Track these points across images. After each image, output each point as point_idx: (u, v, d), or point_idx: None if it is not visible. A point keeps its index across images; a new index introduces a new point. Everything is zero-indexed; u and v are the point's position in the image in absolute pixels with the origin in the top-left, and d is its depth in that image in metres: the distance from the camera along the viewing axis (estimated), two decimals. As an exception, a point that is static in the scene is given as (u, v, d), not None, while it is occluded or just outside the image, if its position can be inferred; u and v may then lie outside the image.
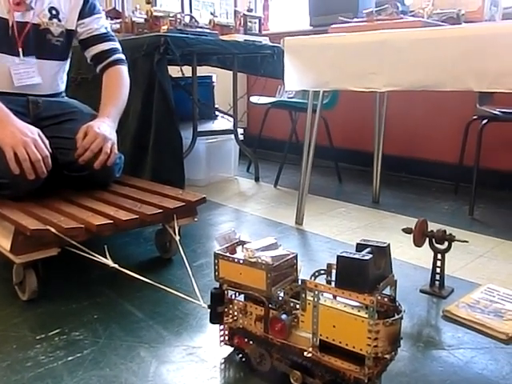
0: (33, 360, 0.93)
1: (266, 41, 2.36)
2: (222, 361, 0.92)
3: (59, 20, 1.44)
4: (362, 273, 0.66)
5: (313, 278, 0.83)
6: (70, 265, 1.35)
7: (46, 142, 1.23)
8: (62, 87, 1.57)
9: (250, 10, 2.40)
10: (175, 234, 1.21)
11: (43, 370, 0.90)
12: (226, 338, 0.91)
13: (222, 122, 2.58)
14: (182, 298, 1.00)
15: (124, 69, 1.52)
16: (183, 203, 1.26)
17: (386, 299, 0.73)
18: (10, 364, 0.91)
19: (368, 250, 0.71)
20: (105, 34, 1.51)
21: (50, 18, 1.42)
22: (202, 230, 1.74)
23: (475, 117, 2.04)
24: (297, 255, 0.86)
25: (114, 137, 1.33)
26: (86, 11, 1.49)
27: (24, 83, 1.39)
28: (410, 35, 1.40)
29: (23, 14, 1.37)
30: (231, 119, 2.50)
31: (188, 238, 1.60)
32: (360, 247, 0.73)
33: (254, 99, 2.53)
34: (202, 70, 2.53)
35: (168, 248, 1.39)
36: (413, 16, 1.62)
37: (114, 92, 1.46)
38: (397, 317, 0.68)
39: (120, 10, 2.59)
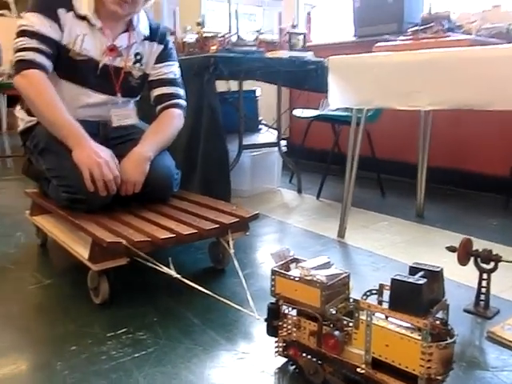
0: (106, 354, 1.04)
1: (310, 56, 2.43)
2: (276, 370, 0.99)
3: (141, 64, 1.59)
4: (416, 297, 0.71)
5: (364, 297, 0.89)
6: (130, 271, 1.47)
7: (117, 162, 1.36)
8: None
9: (294, 26, 2.47)
10: (229, 247, 1.30)
11: (115, 363, 1.01)
12: (281, 349, 0.98)
13: (266, 135, 2.66)
14: (235, 308, 1.09)
15: (179, 113, 1.59)
16: (237, 219, 1.35)
17: (438, 322, 0.78)
18: (88, 356, 1.03)
19: (421, 273, 0.76)
20: (172, 79, 1.62)
21: (134, 63, 1.57)
22: (246, 241, 1.81)
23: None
24: (349, 274, 0.92)
25: (138, 173, 1.39)
26: (163, 57, 1.62)
27: (120, 124, 1.56)
28: (456, 54, 1.41)
29: (114, 59, 1.52)
30: (275, 132, 2.58)
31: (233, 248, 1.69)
32: (413, 270, 0.78)
33: (297, 112, 2.60)
34: (247, 84, 2.62)
35: (221, 259, 1.48)
36: (461, 32, 1.63)
37: (159, 129, 1.54)
38: (450, 340, 0.73)
39: (170, 28, 2.73)
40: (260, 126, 2.77)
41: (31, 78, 1.37)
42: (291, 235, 1.96)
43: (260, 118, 2.84)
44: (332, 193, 2.57)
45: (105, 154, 1.35)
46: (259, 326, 1.13)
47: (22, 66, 1.37)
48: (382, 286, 0.87)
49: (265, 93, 2.95)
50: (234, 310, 1.16)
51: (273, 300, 0.96)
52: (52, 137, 1.39)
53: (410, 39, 1.66)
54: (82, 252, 1.23)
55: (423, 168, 2.16)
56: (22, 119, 1.57)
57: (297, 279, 0.90)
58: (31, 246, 1.73)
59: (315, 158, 3.27)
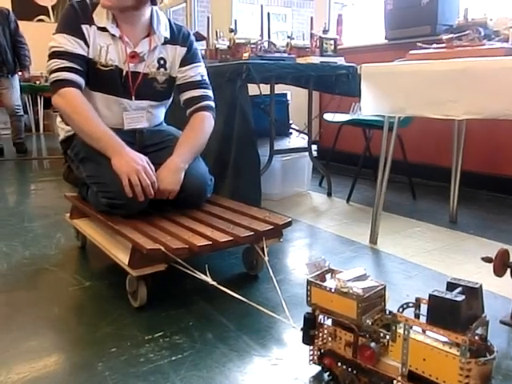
0: (144, 357, 1.08)
1: (341, 61, 2.43)
2: (311, 378, 1.00)
3: (165, 69, 1.62)
4: (454, 314, 0.72)
5: (401, 309, 0.89)
6: (167, 275, 1.52)
7: (153, 168, 1.41)
8: (162, 118, 1.76)
9: (325, 31, 2.47)
10: (264, 254, 1.32)
11: (153, 366, 1.05)
12: (316, 357, 1.00)
13: (297, 140, 2.67)
14: (269, 314, 1.11)
15: (208, 115, 1.62)
16: (272, 226, 1.37)
17: (477, 338, 0.77)
18: (127, 358, 1.08)
19: (459, 289, 0.76)
20: (199, 81, 1.64)
21: (158, 68, 1.60)
22: (278, 245, 1.82)
23: None
24: (385, 286, 0.92)
25: (174, 182, 1.43)
26: (187, 59, 1.64)
27: (133, 127, 1.59)
28: (490, 64, 1.39)
29: (136, 65, 1.56)
30: (305, 136, 2.59)
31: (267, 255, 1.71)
32: (451, 286, 0.78)
33: (328, 116, 2.60)
34: (277, 88, 2.64)
35: (255, 265, 1.51)
36: (498, 39, 1.59)
37: (192, 135, 1.57)
38: (490, 357, 0.73)
39: (202, 33, 2.78)
40: (290, 130, 2.79)
41: (67, 97, 1.44)
42: (322, 240, 1.97)
43: (290, 122, 2.85)
44: (362, 196, 2.56)
45: (142, 160, 1.40)
46: (292, 333, 1.15)
47: (57, 85, 1.44)
48: (418, 300, 0.87)
49: (295, 96, 2.96)
50: (267, 316, 1.19)
51: (308, 309, 0.98)
52: (91, 146, 1.45)
53: (443, 47, 1.63)
54: (122, 257, 1.28)
55: (457, 172, 2.13)
56: (63, 129, 1.64)
57: (333, 290, 0.91)
58: (71, 248, 1.81)
59: (345, 161, 3.25)
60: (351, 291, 0.88)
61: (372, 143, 2.52)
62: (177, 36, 1.63)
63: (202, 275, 1.18)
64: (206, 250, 1.23)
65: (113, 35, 1.51)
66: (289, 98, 2.84)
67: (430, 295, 0.76)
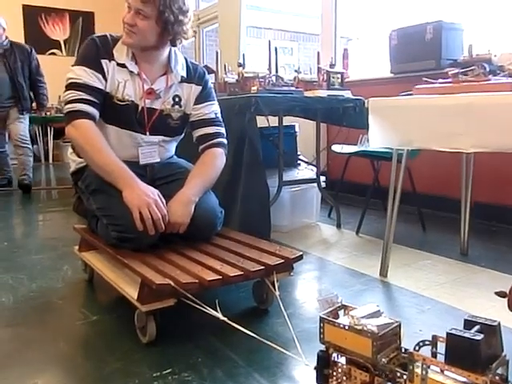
0: (153, 396, 1.05)
1: (348, 94, 2.47)
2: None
3: (180, 106, 1.65)
4: (473, 353, 0.70)
5: (417, 347, 0.87)
6: (175, 309, 1.50)
7: (164, 201, 1.41)
8: (173, 151, 1.78)
9: (332, 65, 2.52)
10: (274, 288, 1.31)
11: (161, 407, 1.01)
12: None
13: (305, 171, 2.69)
14: (281, 351, 1.08)
15: (220, 152, 1.64)
16: (282, 260, 1.35)
17: (497, 378, 0.75)
18: (135, 398, 1.04)
19: (477, 327, 0.74)
20: (213, 118, 1.67)
21: (173, 105, 1.63)
22: (287, 278, 1.79)
23: None
24: (400, 324, 0.90)
25: (185, 214, 1.43)
26: (202, 97, 1.67)
27: (147, 162, 1.61)
28: (498, 99, 1.41)
29: (152, 102, 1.59)
30: (313, 168, 2.61)
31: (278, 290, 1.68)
32: (468, 324, 0.76)
33: (336, 148, 2.61)
34: (285, 120, 2.67)
35: (265, 299, 1.49)
36: (503, 75, 1.61)
37: (204, 169, 1.59)
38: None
39: (211, 67, 2.84)
40: (298, 162, 2.80)
41: (80, 128, 1.46)
42: (332, 273, 1.94)
43: (298, 153, 2.87)
44: (372, 227, 2.54)
45: (153, 193, 1.40)
46: (303, 370, 1.12)
47: (71, 116, 1.47)
48: (435, 338, 0.85)
49: (303, 128, 2.99)
50: (278, 352, 1.16)
51: (319, 345, 0.95)
52: (103, 178, 1.47)
53: (449, 82, 1.65)
54: (131, 292, 1.27)
55: (467, 203, 2.11)
56: (74, 161, 1.66)
57: (346, 328, 0.89)
58: (78, 281, 1.79)
59: (354, 192, 3.25)
60: (365, 329, 0.86)
61: (381, 175, 2.52)
62: (193, 75, 1.67)
63: (211, 310, 1.16)
64: (215, 285, 1.22)
65: (131, 72, 1.55)
66: (297, 129, 2.88)
67: (447, 333, 0.74)
